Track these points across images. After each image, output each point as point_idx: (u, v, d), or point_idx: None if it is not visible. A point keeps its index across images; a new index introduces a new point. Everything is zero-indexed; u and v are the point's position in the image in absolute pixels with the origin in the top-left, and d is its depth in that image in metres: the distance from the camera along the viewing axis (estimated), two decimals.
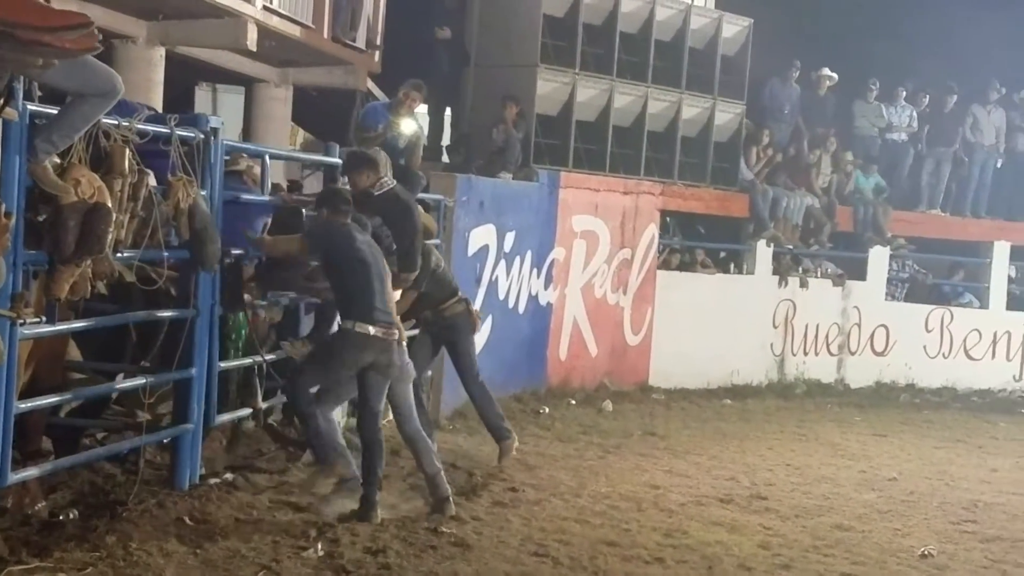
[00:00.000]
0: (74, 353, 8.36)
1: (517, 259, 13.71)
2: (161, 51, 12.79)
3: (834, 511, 10.03)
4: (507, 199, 13.75)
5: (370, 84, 16.12)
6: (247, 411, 9.23)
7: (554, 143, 15.05)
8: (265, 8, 12.78)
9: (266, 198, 9.34)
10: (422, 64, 14.98)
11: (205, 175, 8.06)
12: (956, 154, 19.02)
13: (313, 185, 10.66)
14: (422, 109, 13.49)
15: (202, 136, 8.02)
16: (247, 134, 15.74)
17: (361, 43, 15.25)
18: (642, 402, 14.91)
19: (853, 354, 17.80)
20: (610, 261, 15.33)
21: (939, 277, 19.47)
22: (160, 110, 10.26)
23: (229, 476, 8.70)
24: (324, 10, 14.22)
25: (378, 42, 15.91)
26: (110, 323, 8.10)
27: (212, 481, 8.48)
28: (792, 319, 17.28)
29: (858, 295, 17.82)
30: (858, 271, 17.98)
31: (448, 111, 15.92)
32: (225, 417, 8.91)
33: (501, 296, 13.31)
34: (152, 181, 7.35)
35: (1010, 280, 19.14)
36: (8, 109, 6.18)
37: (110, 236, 6.81)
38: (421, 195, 11.65)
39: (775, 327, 17.15)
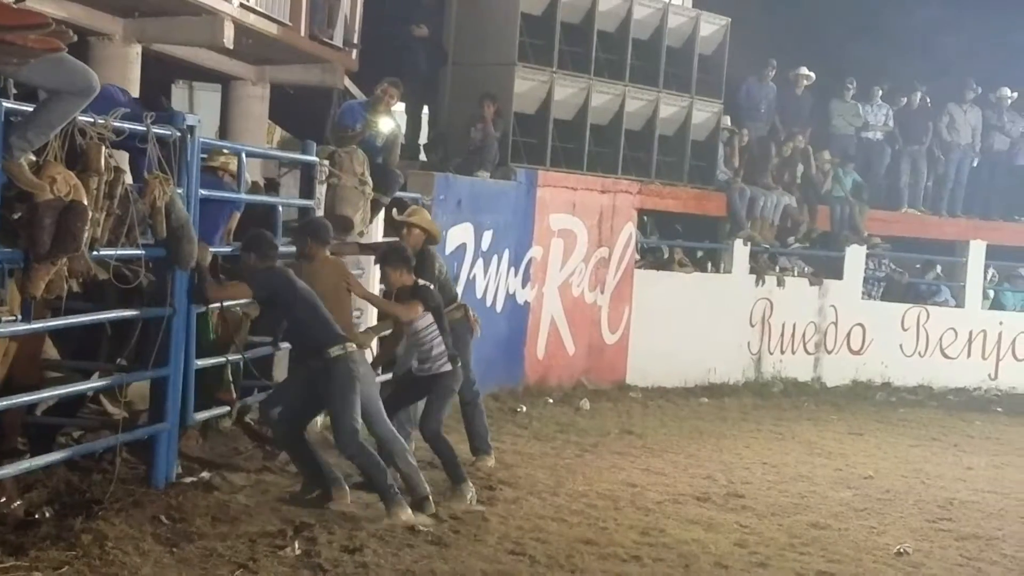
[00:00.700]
0: (51, 352, 8.33)
1: (495, 258, 13.72)
2: (137, 48, 12.72)
3: (810, 509, 10.07)
4: (485, 198, 13.75)
5: (347, 82, 16.07)
6: (224, 409, 9.23)
7: (532, 142, 15.06)
8: (242, 6, 12.72)
9: (243, 195, 9.33)
10: (399, 62, 14.94)
11: (182, 173, 8.03)
12: (931, 152, 19.10)
13: (290, 184, 10.62)
14: (399, 107, 13.46)
15: (179, 134, 7.99)
16: (224, 132, 15.67)
17: (338, 41, 15.18)
18: (619, 401, 14.93)
19: (830, 353, 17.86)
20: (587, 260, 15.35)
21: (915, 276, 19.54)
22: None
23: (206, 475, 8.68)
24: (301, 8, 14.15)
25: (355, 40, 15.85)
26: (88, 322, 8.06)
27: (189, 480, 8.46)
28: (769, 318, 17.33)
29: (835, 294, 17.87)
30: (835, 270, 18.05)
31: (426, 109, 15.90)
32: (203, 415, 8.90)
33: (479, 295, 13.31)
34: (128, 179, 7.33)
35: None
36: None
37: (86, 234, 6.78)
38: (399, 193, 11.66)
39: (752, 326, 17.20)
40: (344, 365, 8.37)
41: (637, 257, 16.37)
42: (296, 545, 7.45)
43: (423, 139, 15.82)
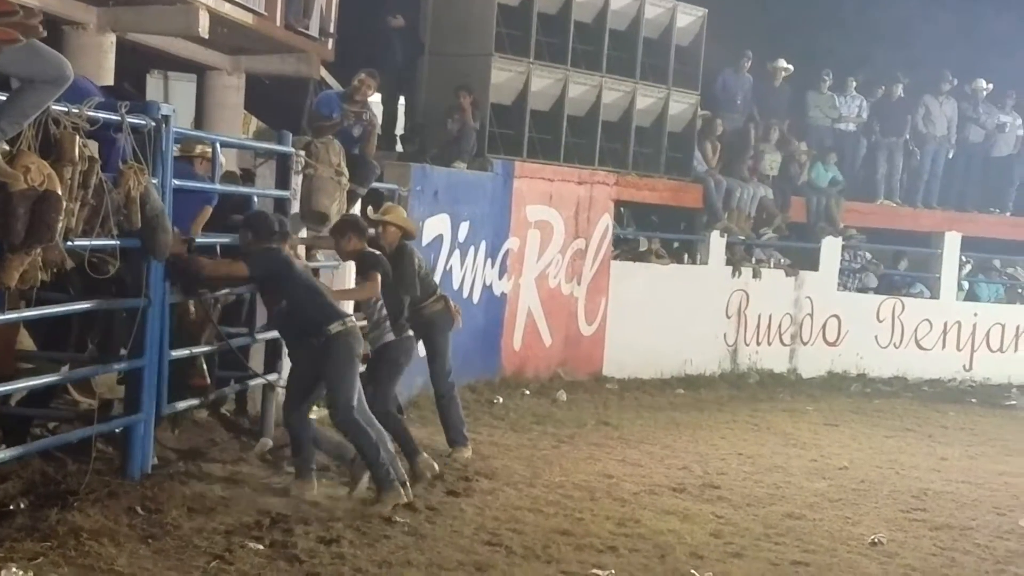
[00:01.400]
0: (26, 343, 8.28)
1: (471, 249, 13.71)
2: (112, 38, 12.65)
3: (785, 500, 10.10)
4: (461, 188, 13.73)
5: (323, 72, 16.04)
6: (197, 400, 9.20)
7: (508, 132, 15.04)
8: None
9: (218, 186, 9.29)
10: (376, 53, 14.93)
11: (156, 163, 7.99)
12: (906, 144, 19.16)
13: (265, 174, 10.57)
14: (376, 98, 13.44)
15: (153, 124, 7.95)
16: (199, 122, 15.62)
17: (314, 31, 15.15)
18: (596, 392, 14.95)
19: (805, 344, 17.92)
20: (564, 251, 15.35)
21: (889, 267, 19.61)
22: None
23: (181, 465, 8.65)
24: None
25: (331, 30, 15.83)
26: (61, 313, 8.02)
27: (164, 471, 8.43)
28: (745, 309, 17.37)
29: (810, 285, 17.92)
30: (811, 262, 18.09)
31: (402, 100, 15.88)
32: (180, 405, 8.87)
33: (455, 286, 13.29)
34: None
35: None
36: None
37: (60, 224, 6.74)
38: (375, 184, 11.63)
39: (728, 317, 17.24)
40: (344, 341, 8.40)
41: (614, 249, 16.38)
42: (272, 536, 7.43)
43: (400, 130, 15.81)
